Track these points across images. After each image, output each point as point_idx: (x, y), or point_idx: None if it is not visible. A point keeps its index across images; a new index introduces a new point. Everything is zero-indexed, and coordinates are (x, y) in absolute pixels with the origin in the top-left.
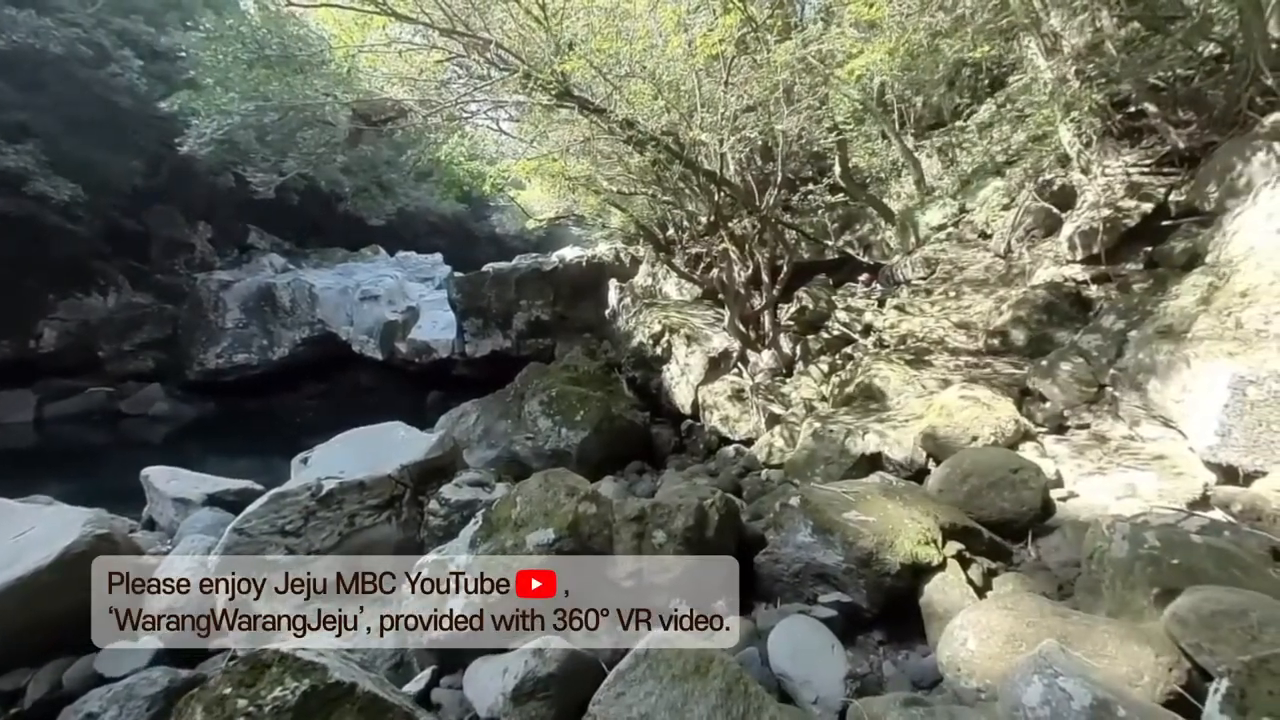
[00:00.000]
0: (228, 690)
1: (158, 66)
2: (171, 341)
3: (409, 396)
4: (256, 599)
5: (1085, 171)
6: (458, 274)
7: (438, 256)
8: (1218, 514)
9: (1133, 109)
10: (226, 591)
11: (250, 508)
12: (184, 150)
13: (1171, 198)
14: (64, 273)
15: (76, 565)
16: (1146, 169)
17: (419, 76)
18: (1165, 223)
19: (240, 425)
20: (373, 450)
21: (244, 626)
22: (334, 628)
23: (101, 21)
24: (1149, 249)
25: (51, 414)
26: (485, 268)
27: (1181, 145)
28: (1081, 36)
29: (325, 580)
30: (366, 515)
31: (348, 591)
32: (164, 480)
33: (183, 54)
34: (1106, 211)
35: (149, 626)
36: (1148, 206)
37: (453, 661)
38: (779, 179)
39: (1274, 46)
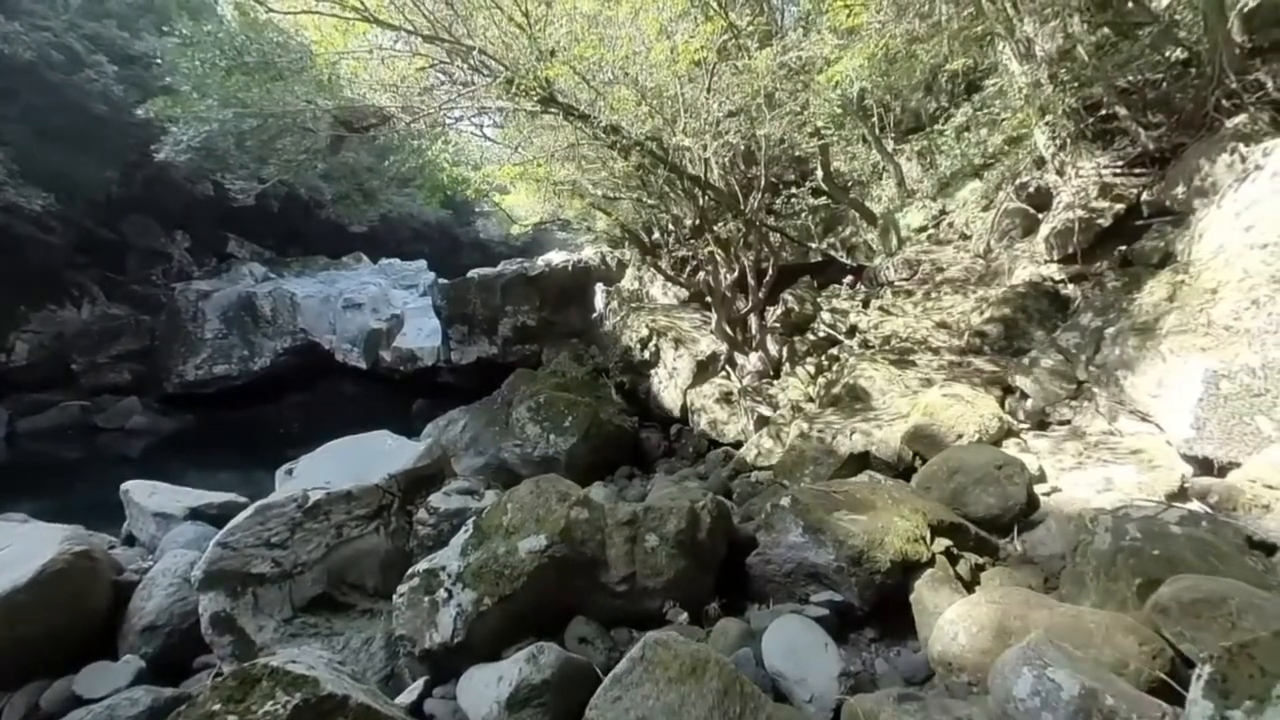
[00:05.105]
0: (216, 707)
1: (132, 72)
2: (149, 353)
3: (394, 405)
4: (242, 613)
5: (1060, 173)
6: (442, 280)
7: (422, 263)
8: (1195, 505)
9: (1104, 112)
10: (211, 606)
11: (234, 521)
12: (160, 158)
13: (1143, 198)
14: (36, 284)
15: (54, 584)
16: (1119, 170)
17: (401, 83)
18: (1138, 222)
19: (221, 438)
20: (359, 460)
21: (230, 642)
22: (323, 640)
23: (73, 25)
24: (1123, 248)
25: (24, 429)
26: (470, 274)
27: (1151, 147)
28: (1054, 42)
29: (313, 592)
30: (354, 526)
31: (336, 603)
32: (144, 494)
33: (158, 60)
34: (1081, 212)
35: (131, 644)
36: (1120, 207)
37: (445, 671)
38: (762, 183)
39: (1237, 51)
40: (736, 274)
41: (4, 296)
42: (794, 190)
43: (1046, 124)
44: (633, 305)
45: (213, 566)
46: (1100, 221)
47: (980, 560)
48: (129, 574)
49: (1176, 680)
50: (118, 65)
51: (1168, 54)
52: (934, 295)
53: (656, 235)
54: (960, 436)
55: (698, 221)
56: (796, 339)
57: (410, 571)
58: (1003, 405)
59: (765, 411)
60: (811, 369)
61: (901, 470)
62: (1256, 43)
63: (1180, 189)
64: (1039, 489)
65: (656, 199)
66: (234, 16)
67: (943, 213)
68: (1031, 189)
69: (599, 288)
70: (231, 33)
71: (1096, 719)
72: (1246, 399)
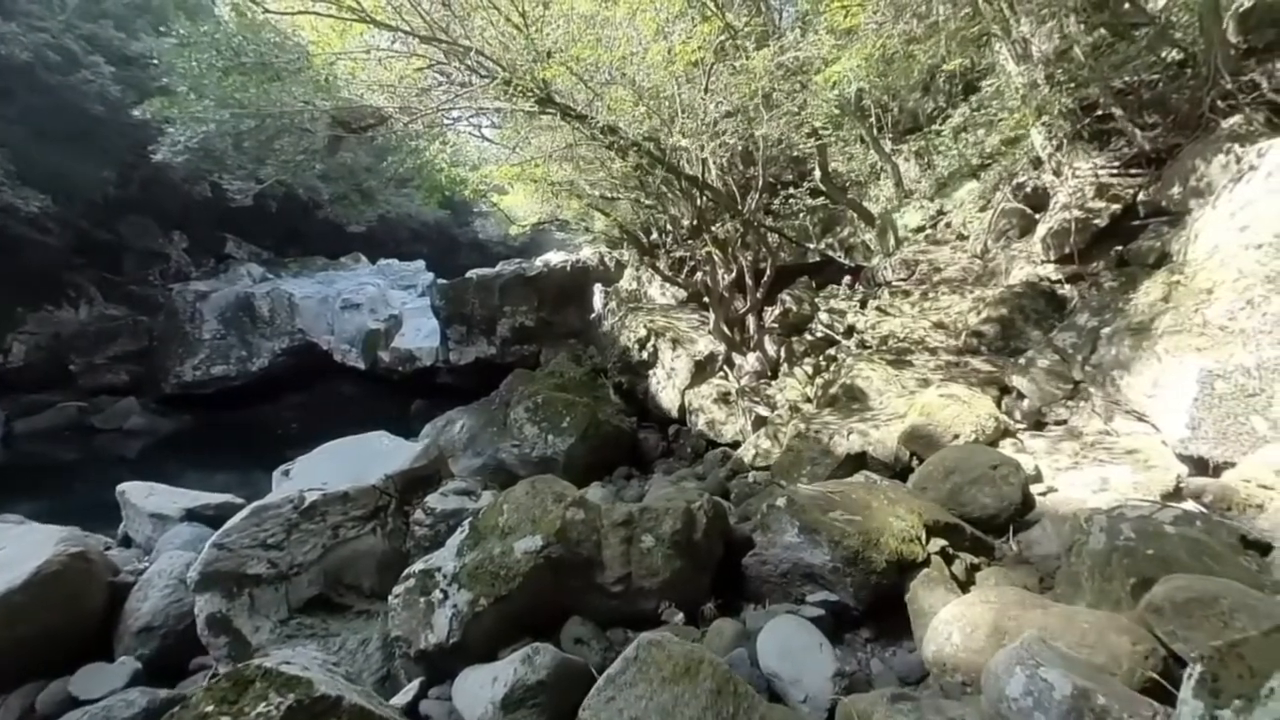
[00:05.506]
0: (210, 708)
1: (129, 73)
2: (146, 354)
3: (392, 405)
4: (238, 614)
5: (1057, 173)
6: (441, 281)
7: (420, 263)
8: (1190, 505)
9: (1101, 112)
10: (207, 607)
11: (230, 522)
12: (158, 158)
13: (1140, 198)
14: (33, 285)
15: (50, 585)
16: (1115, 170)
17: (399, 83)
18: (1135, 223)
19: (219, 438)
20: (356, 461)
21: (225, 643)
22: (319, 641)
23: (70, 26)
24: (1119, 248)
25: (21, 430)
26: (469, 274)
27: (1148, 147)
28: (1050, 43)
29: (309, 593)
30: (350, 526)
31: (332, 604)
32: (140, 496)
33: (155, 60)
34: (1078, 212)
35: (127, 646)
36: (1117, 207)
37: (440, 672)
38: (760, 183)
39: (1232, 52)
40: (734, 274)
41: (1, 297)
42: (792, 190)
43: (1043, 124)
44: (631, 305)
45: (209, 568)
46: (1097, 222)
47: (976, 560)
48: (125, 575)
49: (1169, 680)
50: (115, 66)
51: (1163, 55)
52: (931, 295)
53: (654, 235)
54: (957, 437)
55: (695, 222)
56: (794, 339)
57: (406, 572)
58: (999, 405)
59: (763, 412)
60: (809, 369)
61: (898, 470)
62: (1252, 43)
63: (1176, 189)
64: (1035, 489)
65: (654, 199)
66: (231, 17)
67: (940, 213)
68: (1028, 189)
69: (597, 288)
70: (228, 33)
71: (1089, 719)
72: (1241, 399)
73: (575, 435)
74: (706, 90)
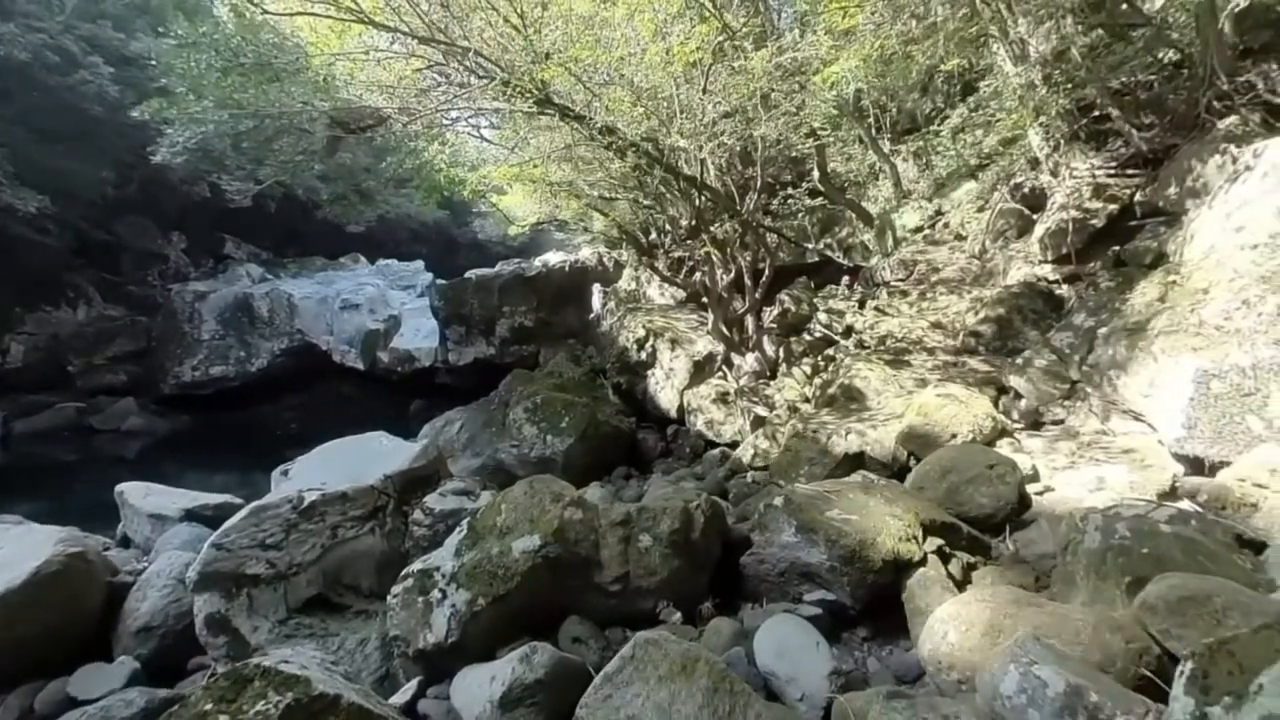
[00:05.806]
0: (208, 707)
1: (128, 73)
2: (145, 354)
3: (392, 406)
4: (237, 614)
5: (1054, 174)
6: (440, 281)
7: (419, 264)
8: (1185, 504)
9: (1098, 113)
10: (205, 607)
11: (229, 522)
12: (156, 159)
13: (1136, 198)
14: (32, 285)
15: (48, 586)
16: (1112, 171)
17: (398, 84)
18: (1132, 223)
19: (218, 439)
20: (355, 461)
21: (224, 642)
22: (318, 641)
23: (69, 27)
24: (1116, 248)
25: (20, 430)
26: (468, 274)
27: (1144, 148)
28: (1048, 43)
29: (308, 593)
30: (349, 526)
31: (331, 604)
32: (139, 496)
33: (153, 61)
34: (1075, 213)
35: (125, 646)
36: (1114, 207)
37: (439, 671)
38: (759, 183)
39: (1229, 53)
40: (733, 274)
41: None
42: (791, 191)
43: (1041, 125)
44: (630, 306)
45: (208, 568)
46: (1094, 222)
47: (972, 559)
48: (124, 575)
49: (1162, 677)
50: (113, 66)
51: (1160, 55)
52: (929, 295)
53: (653, 236)
54: (954, 436)
55: (694, 222)
56: (793, 339)
57: (405, 572)
58: (997, 405)
59: (761, 412)
60: (808, 369)
61: (896, 470)
62: (1248, 44)
63: (1172, 190)
64: (1032, 488)
65: (653, 200)
66: (229, 17)
67: (938, 213)
68: (1026, 190)
69: (596, 288)
70: (227, 34)
71: (1081, 715)
72: (1237, 398)
73: (574, 435)
74: (705, 91)
